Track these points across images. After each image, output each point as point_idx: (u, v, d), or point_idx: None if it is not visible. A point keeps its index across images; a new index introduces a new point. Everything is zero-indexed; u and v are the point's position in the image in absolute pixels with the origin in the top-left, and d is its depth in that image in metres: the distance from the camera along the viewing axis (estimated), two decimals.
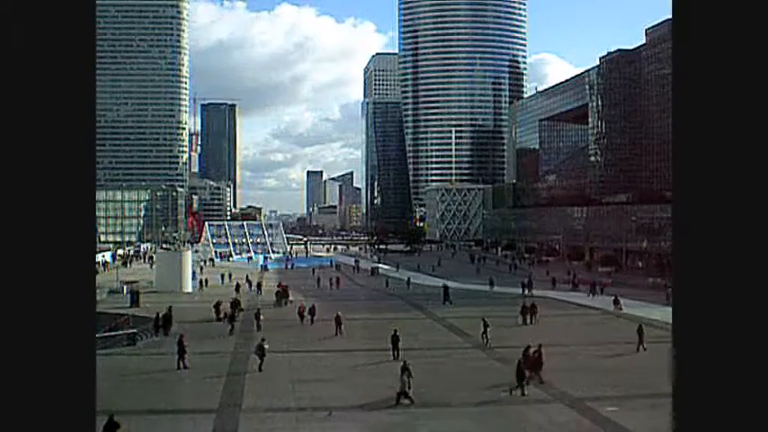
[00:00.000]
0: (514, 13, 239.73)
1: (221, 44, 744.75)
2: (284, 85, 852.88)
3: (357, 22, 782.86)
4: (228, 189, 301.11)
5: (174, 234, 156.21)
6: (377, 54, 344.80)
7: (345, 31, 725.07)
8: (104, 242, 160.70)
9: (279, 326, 38.60)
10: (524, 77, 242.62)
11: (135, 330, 37.17)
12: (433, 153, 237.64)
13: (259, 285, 60.04)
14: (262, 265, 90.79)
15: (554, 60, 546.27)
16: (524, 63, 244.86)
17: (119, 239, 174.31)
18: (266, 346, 27.69)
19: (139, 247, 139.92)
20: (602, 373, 27.42)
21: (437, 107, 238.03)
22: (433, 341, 34.94)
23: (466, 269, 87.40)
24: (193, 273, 66.51)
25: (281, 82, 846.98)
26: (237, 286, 58.65)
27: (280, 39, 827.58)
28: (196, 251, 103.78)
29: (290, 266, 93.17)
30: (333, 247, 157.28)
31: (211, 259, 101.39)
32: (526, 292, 53.59)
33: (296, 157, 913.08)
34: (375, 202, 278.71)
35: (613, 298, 46.40)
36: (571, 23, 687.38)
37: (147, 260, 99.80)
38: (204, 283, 63.38)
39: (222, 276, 69.60)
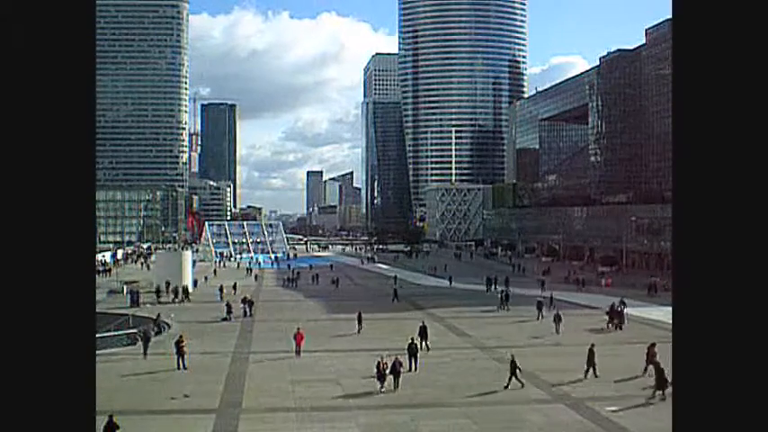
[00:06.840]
0: (515, 14, 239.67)
1: (255, 52, 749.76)
2: (308, 88, 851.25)
3: (391, 32, 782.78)
4: (228, 189, 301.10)
5: (174, 234, 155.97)
6: (377, 54, 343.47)
7: (379, 39, 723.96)
8: (104, 242, 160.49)
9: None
10: (524, 77, 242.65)
11: (135, 330, 37.08)
12: (433, 153, 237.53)
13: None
14: (216, 259, 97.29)
15: (582, 64, 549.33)
16: (524, 63, 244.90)
17: (119, 239, 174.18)
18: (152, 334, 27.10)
19: (139, 246, 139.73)
20: None
21: (437, 107, 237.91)
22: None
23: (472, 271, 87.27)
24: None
25: (306, 84, 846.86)
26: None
27: (315, 45, 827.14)
28: (196, 251, 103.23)
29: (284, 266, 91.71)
30: (331, 246, 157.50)
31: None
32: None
33: (306, 157, 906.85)
34: (375, 202, 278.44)
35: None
36: (598, 27, 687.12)
37: (145, 261, 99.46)
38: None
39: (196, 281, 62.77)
